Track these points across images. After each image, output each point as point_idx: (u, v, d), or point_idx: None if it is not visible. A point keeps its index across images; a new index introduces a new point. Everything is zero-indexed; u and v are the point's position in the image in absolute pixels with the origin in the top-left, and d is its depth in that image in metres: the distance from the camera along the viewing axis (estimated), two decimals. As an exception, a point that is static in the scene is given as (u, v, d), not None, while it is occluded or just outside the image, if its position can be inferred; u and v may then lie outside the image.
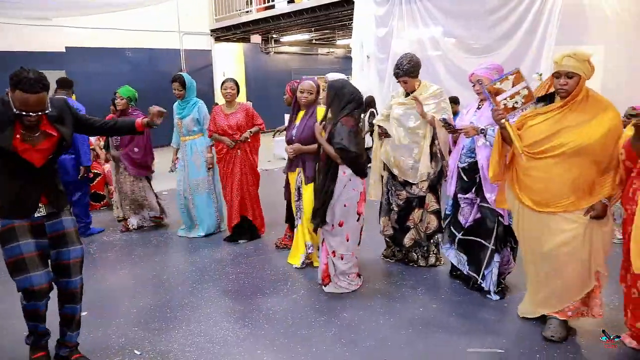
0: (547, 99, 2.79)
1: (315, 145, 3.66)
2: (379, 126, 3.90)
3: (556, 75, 2.62)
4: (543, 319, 2.98)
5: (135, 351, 2.88)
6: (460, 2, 7.08)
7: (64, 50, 10.73)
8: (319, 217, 3.42)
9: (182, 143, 4.95)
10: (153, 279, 4.01)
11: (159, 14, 11.45)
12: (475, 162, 3.33)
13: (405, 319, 3.15)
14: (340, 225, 3.43)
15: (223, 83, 4.71)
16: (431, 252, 3.99)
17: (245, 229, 4.85)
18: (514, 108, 2.76)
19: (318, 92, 3.96)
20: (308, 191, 3.86)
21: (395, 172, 3.84)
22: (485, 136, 3.23)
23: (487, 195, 3.29)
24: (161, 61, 12.02)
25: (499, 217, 3.29)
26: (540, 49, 6.32)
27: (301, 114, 3.97)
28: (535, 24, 6.30)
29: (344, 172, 3.35)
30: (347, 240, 3.48)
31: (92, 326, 3.14)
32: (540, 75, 6.31)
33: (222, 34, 13.02)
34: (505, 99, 2.76)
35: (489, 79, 3.14)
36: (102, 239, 5.08)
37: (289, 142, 3.96)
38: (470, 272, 3.48)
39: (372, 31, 8.51)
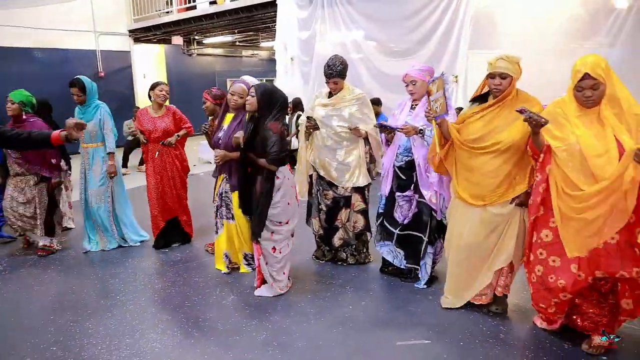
0: (481, 99, 2.98)
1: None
2: (308, 118, 3.84)
3: (491, 76, 2.82)
4: (467, 307, 3.20)
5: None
6: (380, 6, 7.31)
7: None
8: (260, 228, 3.40)
9: (82, 150, 4.59)
10: (72, 294, 3.74)
11: (71, 12, 10.82)
12: (412, 161, 3.45)
13: (335, 318, 3.20)
14: (287, 223, 3.45)
15: (157, 85, 4.53)
16: (360, 251, 4.09)
17: (175, 233, 4.73)
18: (436, 111, 2.94)
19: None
20: (237, 197, 3.74)
21: (322, 173, 3.89)
22: (423, 136, 3.37)
23: (424, 192, 3.43)
24: (75, 63, 11.35)
25: (433, 212, 3.46)
26: (456, 53, 6.69)
27: (229, 117, 3.81)
28: (450, 29, 6.67)
29: (278, 177, 3.35)
30: (292, 236, 3.58)
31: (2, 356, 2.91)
32: (456, 77, 6.74)
33: (141, 34, 12.55)
34: (432, 101, 2.95)
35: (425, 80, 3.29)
36: (15, 256, 4.70)
37: (215, 146, 3.80)
38: (409, 265, 3.63)
39: (295, 34, 8.58)
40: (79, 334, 3.10)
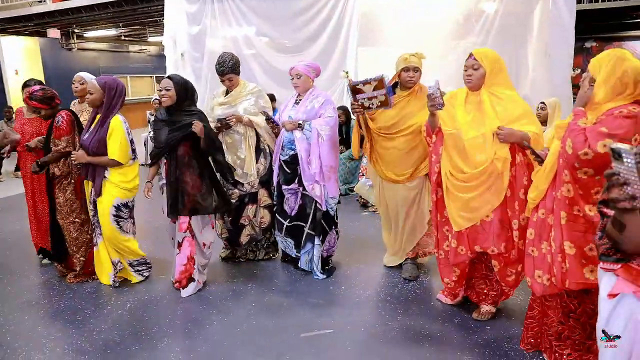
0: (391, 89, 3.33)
1: (104, 158, 3.40)
2: (219, 119, 3.71)
3: (405, 69, 3.29)
4: (368, 298, 3.36)
5: None
6: (269, 3, 7.34)
7: None
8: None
9: None
10: None
11: None
12: (296, 154, 3.56)
13: (238, 317, 3.20)
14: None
15: (26, 86, 4.18)
16: (262, 247, 4.12)
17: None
18: (368, 107, 3.28)
19: (105, 93, 3.41)
20: (102, 203, 3.49)
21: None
22: (302, 130, 3.53)
23: (306, 184, 3.57)
24: None
25: (317, 204, 3.61)
26: (345, 50, 6.94)
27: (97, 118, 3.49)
28: (339, 28, 6.90)
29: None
30: (213, 227, 3.69)
31: None
32: (347, 72, 7.00)
33: (8, 25, 11.32)
34: (364, 98, 3.24)
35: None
36: None
37: (81, 146, 3.49)
38: (298, 255, 3.82)
39: (184, 28, 8.30)
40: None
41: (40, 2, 10.59)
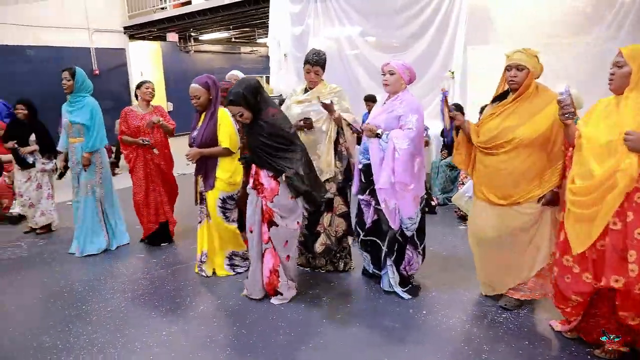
0: (501, 98, 2.92)
1: (215, 148, 3.63)
2: (305, 118, 3.59)
3: (507, 68, 2.81)
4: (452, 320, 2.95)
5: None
6: (371, 1, 7.08)
7: (-50, 47, 9.71)
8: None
9: (70, 146, 4.50)
10: (40, 302, 3.59)
11: (64, 8, 10.64)
12: (370, 164, 3.28)
13: (307, 332, 2.98)
14: (293, 221, 3.27)
15: (143, 83, 4.52)
16: (341, 258, 3.86)
17: (161, 233, 4.71)
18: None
19: (210, 92, 3.72)
20: (211, 195, 3.72)
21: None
22: (379, 138, 3.23)
23: (379, 198, 3.24)
24: (69, 61, 11.00)
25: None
26: (451, 48, 6.44)
27: (203, 117, 3.77)
28: (445, 24, 6.42)
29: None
30: (295, 238, 3.39)
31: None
32: (453, 73, 6.49)
33: (136, 31, 12.36)
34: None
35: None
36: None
37: (190, 145, 3.74)
38: (375, 271, 3.54)
39: (288, 29, 8.36)
40: (35, 348, 2.91)
41: (163, 8, 11.37)
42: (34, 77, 10.46)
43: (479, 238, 3.09)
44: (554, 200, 2.78)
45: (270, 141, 3.10)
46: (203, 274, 3.89)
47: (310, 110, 3.57)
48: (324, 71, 3.63)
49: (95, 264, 4.31)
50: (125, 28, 12.35)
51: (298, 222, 3.28)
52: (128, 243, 4.79)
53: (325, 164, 3.58)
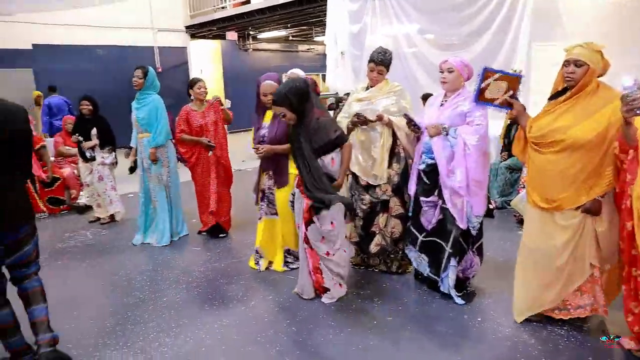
0: (558, 96, 2.71)
1: (287, 145, 3.59)
2: (357, 114, 3.54)
3: (565, 63, 2.60)
4: (508, 329, 2.79)
5: (64, 371, 2.67)
6: (431, -2, 6.93)
7: (30, 47, 10.36)
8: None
9: (139, 141, 4.71)
10: (101, 289, 3.78)
11: (131, 10, 11.12)
12: (435, 164, 3.17)
13: (356, 333, 2.94)
14: (332, 224, 3.24)
15: (195, 82, 4.66)
16: (395, 259, 3.79)
17: (218, 226, 4.89)
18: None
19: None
20: (282, 194, 3.75)
21: (356, 170, 3.63)
22: (446, 136, 3.12)
23: (446, 197, 3.15)
24: (134, 59, 11.58)
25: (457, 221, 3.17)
26: (514, 46, 6.17)
27: (270, 113, 3.79)
28: (508, 20, 6.16)
29: (333, 159, 3.19)
30: (334, 235, 3.32)
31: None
32: (515, 71, 6.22)
33: (197, 30, 12.73)
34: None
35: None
36: (54, 246, 4.82)
37: (260, 143, 3.75)
38: (431, 275, 3.40)
39: (346, 27, 8.32)
40: (96, 333, 3.06)
41: (223, 8, 11.64)
42: (102, 75, 11.02)
43: (526, 248, 2.89)
44: (595, 209, 2.58)
45: (311, 144, 3.10)
46: (259, 268, 3.94)
47: (367, 109, 3.52)
48: (388, 71, 3.57)
49: (154, 255, 4.46)
50: (187, 27, 12.76)
51: (332, 223, 3.24)
52: (187, 234, 4.94)
53: (379, 171, 3.53)
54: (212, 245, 4.66)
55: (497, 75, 2.89)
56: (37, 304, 2.64)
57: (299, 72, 4.77)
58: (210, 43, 13.92)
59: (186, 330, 3.06)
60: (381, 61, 3.49)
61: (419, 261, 3.47)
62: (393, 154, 3.57)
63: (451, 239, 3.20)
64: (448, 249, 3.23)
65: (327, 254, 3.30)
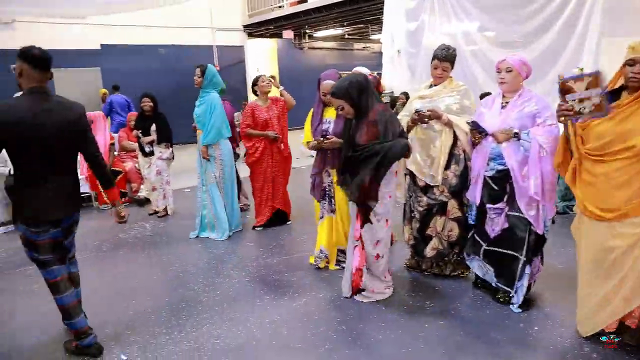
0: (612, 95, 2.51)
1: None
2: (417, 111, 3.44)
3: (630, 62, 2.39)
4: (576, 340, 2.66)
5: (122, 356, 2.80)
6: (494, -7, 6.70)
7: (99, 47, 10.91)
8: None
9: (198, 136, 4.86)
10: (158, 279, 3.92)
11: (191, 10, 11.48)
12: (507, 170, 3.02)
13: (407, 336, 2.89)
14: (387, 221, 3.22)
15: (258, 78, 4.85)
16: (450, 262, 3.69)
17: (275, 219, 5.08)
18: (579, 113, 2.49)
19: None
20: (341, 192, 3.68)
21: (413, 169, 3.55)
22: (518, 140, 2.97)
23: (521, 204, 3.00)
24: (193, 57, 11.95)
25: (531, 226, 3.01)
26: (582, 43, 5.87)
27: (330, 110, 3.77)
28: (576, 15, 5.86)
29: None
30: (387, 237, 3.31)
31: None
32: (582, 69, 5.91)
33: (254, 29, 12.97)
34: (574, 100, 2.49)
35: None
36: (116, 237, 5.06)
37: (323, 136, 3.73)
38: (500, 285, 3.21)
39: (402, 25, 8.23)
40: (153, 322, 3.18)
41: (280, 7, 11.78)
42: (163, 73, 11.44)
43: (583, 261, 2.71)
44: None
45: (378, 138, 3.06)
46: (317, 265, 3.96)
47: (429, 107, 3.41)
48: (452, 67, 3.47)
49: (209, 249, 4.58)
50: (244, 26, 13.03)
51: (387, 220, 3.21)
52: (241, 229, 5.04)
53: (436, 171, 3.44)
54: (266, 241, 4.73)
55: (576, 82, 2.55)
56: (76, 287, 2.89)
57: (363, 71, 4.72)
58: (266, 42, 14.14)
59: (237, 323, 3.12)
60: (445, 57, 3.40)
61: (484, 270, 3.31)
62: (452, 154, 3.46)
63: (525, 246, 3.04)
64: (523, 257, 3.06)
65: (377, 257, 3.27)
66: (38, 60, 2.50)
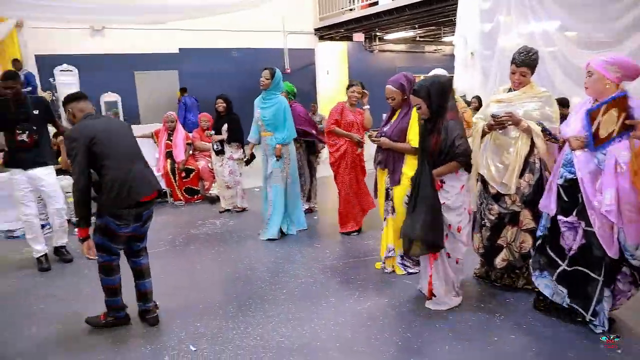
0: None
1: (405, 145, 3.63)
2: (493, 115, 3.30)
3: None
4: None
5: (191, 347, 2.91)
6: (578, -10, 6.32)
7: (177, 51, 11.45)
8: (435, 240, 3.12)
9: (262, 138, 4.96)
10: (227, 275, 4.05)
11: (264, 14, 11.75)
12: (576, 179, 2.80)
13: (473, 349, 2.78)
14: (459, 230, 3.16)
15: (350, 86, 4.82)
16: (521, 274, 3.51)
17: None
18: None
19: (404, 92, 3.71)
20: (398, 191, 3.71)
21: (485, 175, 3.41)
22: (592, 151, 2.74)
23: (591, 218, 2.73)
24: (265, 61, 12.16)
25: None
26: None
27: (398, 112, 3.82)
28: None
29: (459, 173, 3.13)
30: (464, 245, 3.25)
31: (161, 317, 3.25)
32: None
33: (325, 32, 13.09)
34: None
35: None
36: (188, 232, 5.27)
37: (379, 135, 3.82)
38: (573, 305, 2.93)
39: (476, 26, 7.96)
40: (221, 315, 3.28)
41: (351, 10, 11.81)
42: (235, 76, 11.81)
43: None
44: None
45: (439, 147, 3.03)
46: (386, 269, 3.92)
47: (507, 111, 3.24)
48: (532, 73, 3.26)
49: (276, 248, 4.66)
50: (315, 30, 13.17)
51: (459, 227, 3.15)
52: (306, 229, 5.07)
53: (509, 179, 3.26)
54: (333, 243, 4.75)
55: (602, 109, 2.59)
56: (147, 277, 3.23)
57: (441, 72, 4.60)
58: (337, 44, 14.22)
59: (303, 323, 3.14)
60: (522, 62, 3.20)
61: (554, 290, 3.03)
62: (527, 162, 3.27)
63: (603, 267, 2.78)
64: (600, 278, 2.79)
65: (448, 255, 3.21)
66: (76, 96, 3.06)
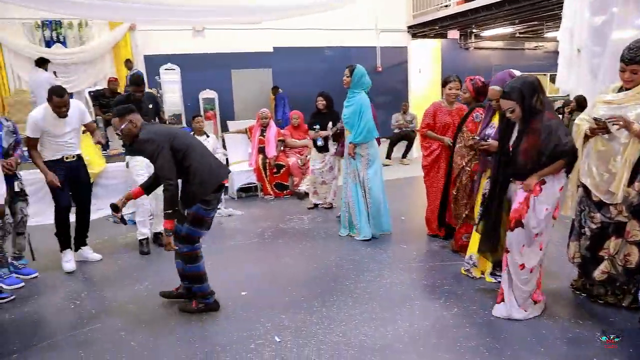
0: None
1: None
2: (595, 119, 3.06)
3: None
4: None
5: (276, 337, 3.00)
6: None
7: (271, 50, 11.81)
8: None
9: (346, 136, 4.97)
10: (312, 271, 4.12)
11: (357, 12, 11.75)
12: None
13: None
14: (542, 235, 3.02)
15: (447, 83, 4.58)
16: (628, 291, 3.20)
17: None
18: None
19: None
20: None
21: (588, 183, 3.17)
22: None
23: None
24: (357, 59, 12.15)
25: None
26: None
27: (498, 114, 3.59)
28: None
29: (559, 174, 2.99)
30: (540, 250, 3.08)
31: (249, 307, 3.41)
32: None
33: (418, 30, 12.82)
34: None
35: None
36: (277, 226, 5.44)
37: (483, 139, 3.63)
38: None
39: (585, 20, 7.36)
40: (305, 309, 3.36)
41: (446, 6, 11.46)
42: (329, 74, 11.90)
43: None
44: None
45: (537, 148, 2.87)
46: (470, 275, 3.80)
47: (616, 114, 2.97)
48: None
49: (361, 247, 4.66)
50: (408, 27, 12.95)
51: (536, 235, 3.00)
52: (390, 232, 4.99)
53: (616, 188, 2.98)
54: (420, 245, 4.67)
55: None
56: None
57: (515, 73, 4.35)
58: (430, 42, 13.88)
59: (386, 324, 3.12)
60: (631, 59, 2.89)
61: None
62: (636, 170, 2.97)
63: None
64: None
65: (521, 266, 3.03)
66: (132, 108, 3.26)
